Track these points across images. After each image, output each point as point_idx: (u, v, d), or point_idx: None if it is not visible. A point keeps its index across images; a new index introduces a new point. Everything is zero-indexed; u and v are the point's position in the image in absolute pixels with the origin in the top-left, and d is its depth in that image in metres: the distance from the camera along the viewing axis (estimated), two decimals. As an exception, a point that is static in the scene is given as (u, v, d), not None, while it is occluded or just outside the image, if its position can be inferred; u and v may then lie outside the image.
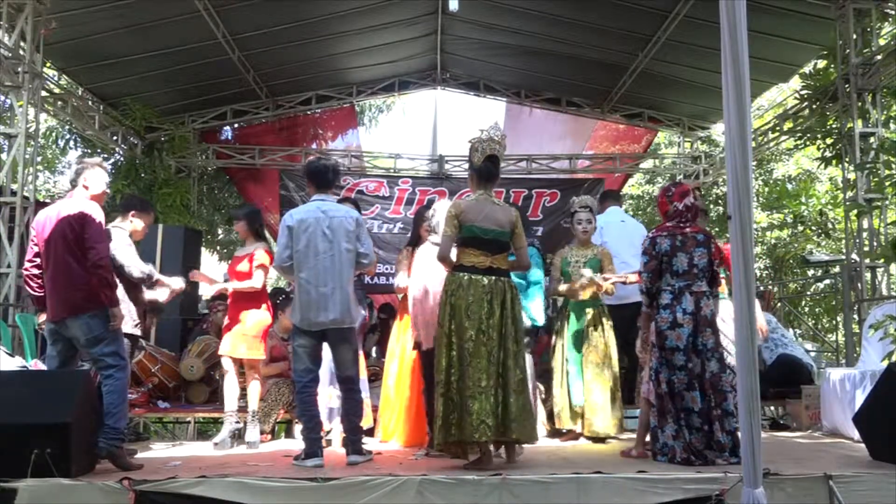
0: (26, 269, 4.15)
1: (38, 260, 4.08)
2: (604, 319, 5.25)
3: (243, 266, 5.07)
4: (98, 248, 3.92)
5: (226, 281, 5.30)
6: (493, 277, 4.00)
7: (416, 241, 5.19)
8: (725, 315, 4.53)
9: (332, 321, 4.22)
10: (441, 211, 4.88)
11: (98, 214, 4.00)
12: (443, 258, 4.12)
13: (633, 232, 6.10)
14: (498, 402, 3.88)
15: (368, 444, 5.10)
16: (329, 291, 4.20)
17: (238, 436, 5.13)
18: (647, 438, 4.32)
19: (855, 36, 6.80)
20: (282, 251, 4.27)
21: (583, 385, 5.10)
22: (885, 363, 4.47)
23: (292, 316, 4.36)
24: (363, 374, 5.07)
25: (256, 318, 5.06)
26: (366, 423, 5.04)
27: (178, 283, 4.93)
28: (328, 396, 4.90)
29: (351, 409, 4.35)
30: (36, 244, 4.08)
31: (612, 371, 5.17)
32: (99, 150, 9.95)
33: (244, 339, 5.01)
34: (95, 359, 3.98)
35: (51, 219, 4.01)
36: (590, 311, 5.22)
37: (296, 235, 4.23)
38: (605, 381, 5.13)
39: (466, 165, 11.40)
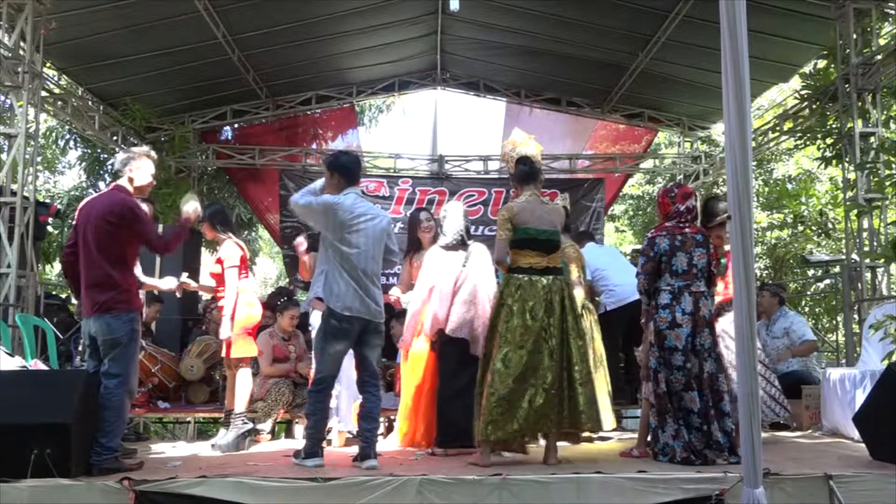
0: (64, 256, 4.09)
1: (73, 248, 3.99)
2: (590, 316, 5.23)
3: (215, 268, 5.02)
4: (154, 241, 3.95)
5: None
6: (551, 277, 4.08)
7: (415, 247, 5.16)
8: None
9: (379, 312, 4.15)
10: (452, 212, 4.83)
11: (139, 207, 3.96)
12: (499, 261, 4.21)
13: (610, 251, 6.63)
14: (563, 396, 3.98)
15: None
16: (376, 283, 4.14)
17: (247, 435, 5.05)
18: (648, 438, 4.32)
19: (855, 36, 6.79)
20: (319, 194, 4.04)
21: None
22: (885, 363, 4.47)
23: (333, 303, 3.98)
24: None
25: (236, 319, 4.90)
26: None
27: (168, 283, 4.96)
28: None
29: (375, 408, 4.19)
30: (74, 231, 3.98)
31: (603, 367, 5.14)
32: (99, 150, 9.96)
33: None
34: (105, 361, 3.87)
35: (89, 209, 3.93)
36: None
37: (350, 217, 4.01)
38: (600, 377, 5.10)
39: (468, 166, 11.46)
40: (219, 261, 4.97)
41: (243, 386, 4.87)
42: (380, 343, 4.26)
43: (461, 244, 4.79)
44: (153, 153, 4.23)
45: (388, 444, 5.01)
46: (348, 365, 4.86)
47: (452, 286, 4.66)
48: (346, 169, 4.19)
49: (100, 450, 3.72)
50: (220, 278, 4.98)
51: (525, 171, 4.25)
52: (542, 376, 3.93)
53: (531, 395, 3.91)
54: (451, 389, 4.57)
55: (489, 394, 3.93)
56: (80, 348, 6.45)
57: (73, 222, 4.05)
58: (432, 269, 4.78)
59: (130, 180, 4.05)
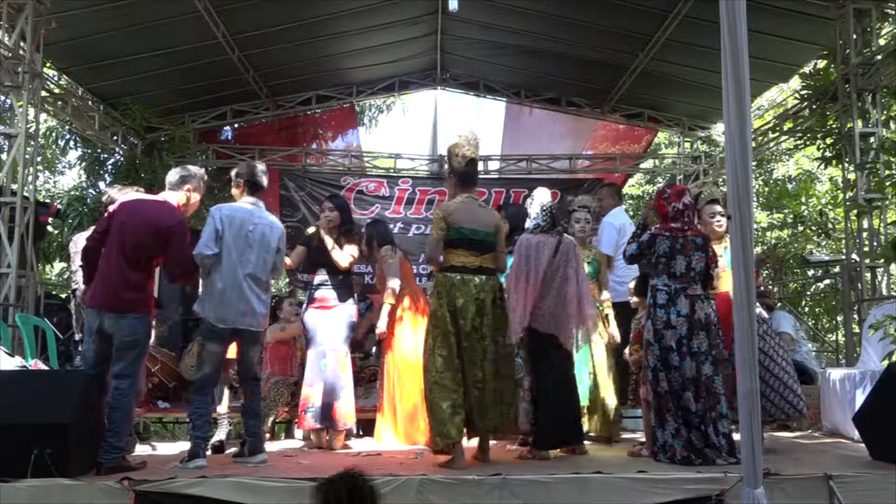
0: (92, 241, 4.05)
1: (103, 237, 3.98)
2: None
3: None
4: (184, 266, 4.04)
5: None
6: (484, 277, 4.10)
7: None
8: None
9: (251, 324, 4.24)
10: (537, 196, 4.57)
11: (188, 231, 4.05)
12: (430, 260, 4.28)
13: None
14: (498, 398, 4.01)
15: (368, 444, 5.12)
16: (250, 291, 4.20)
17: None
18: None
19: (855, 36, 6.79)
20: (212, 243, 4.08)
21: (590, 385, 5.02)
22: (885, 363, 4.47)
23: (205, 313, 4.14)
24: (349, 373, 5.04)
25: None
26: (350, 421, 5.02)
27: None
28: (315, 396, 4.87)
29: (258, 408, 4.42)
30: (109, 221, 3.96)
31: (615, 369, 5.09)
32: (99, 150, 9.95)
33: None
34: (118, 361, 3.88)
35: (138, 210, 3.97)
36: None
37: (227, 229, 4.15)
38: (611, 380, 5.06)
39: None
40: None
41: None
42: (258, 346, 4.44)
43: (551, 229, 4.46)
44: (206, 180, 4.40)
45: (387, 444, 5.01)
46: (334, 366, 4.85)
47: (541, 274, 4.32)
48: (254, 177, 4.44)
49: (107, 448, 3.75)
50: None
51: (471, 174, 4.30)
52: (473, 375, 3.96)
53: (467, 394, 3.93)
54: (545, 386, 4.36)
55: (432, 394, 3.97)
56: (79, 348, 6.45)
57: (112, 210, 4.03)
58: (519, 254, 4.42)
59: (187, 199, 4.16)
